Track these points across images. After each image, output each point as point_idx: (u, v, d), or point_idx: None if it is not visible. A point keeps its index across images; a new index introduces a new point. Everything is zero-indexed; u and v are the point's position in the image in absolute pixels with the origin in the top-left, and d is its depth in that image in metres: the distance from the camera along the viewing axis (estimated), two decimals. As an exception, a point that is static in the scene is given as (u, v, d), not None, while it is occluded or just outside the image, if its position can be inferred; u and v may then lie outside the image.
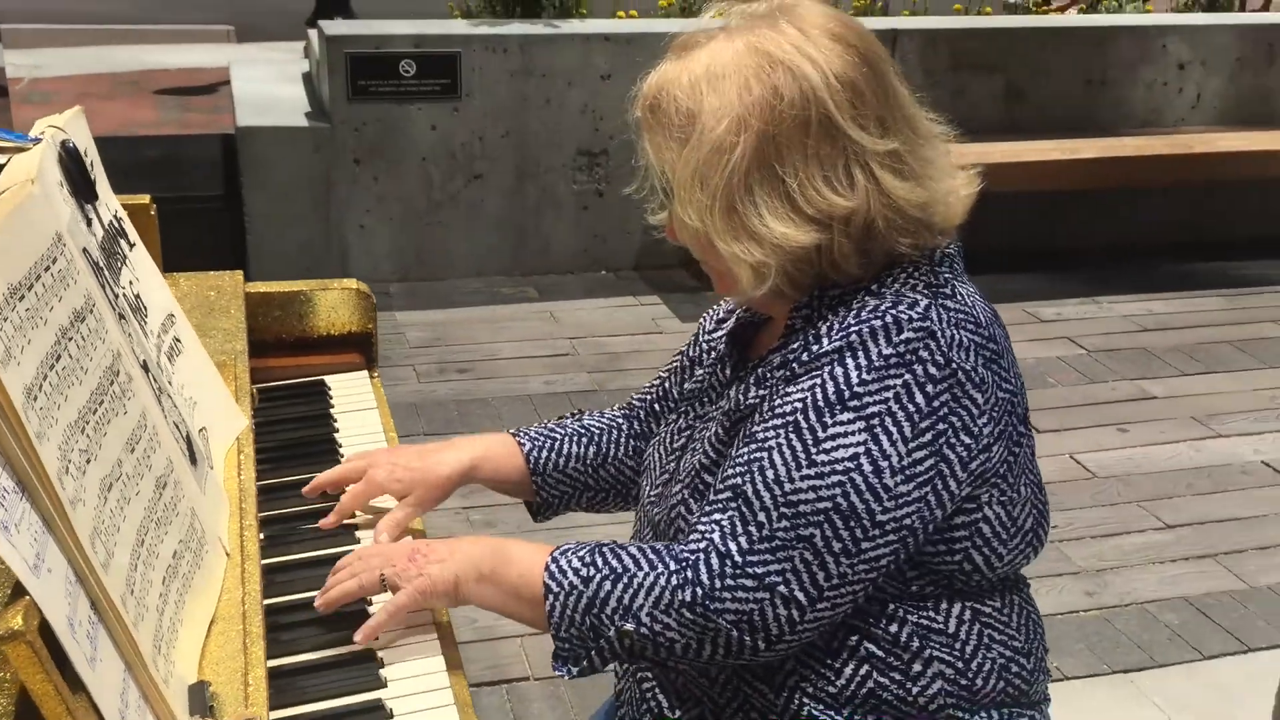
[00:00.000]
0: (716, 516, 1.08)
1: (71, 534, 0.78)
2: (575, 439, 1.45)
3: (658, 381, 1.46)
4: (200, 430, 1.19)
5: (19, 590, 0.71)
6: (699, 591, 1.05)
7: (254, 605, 1.05)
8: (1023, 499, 1.14)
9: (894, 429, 1.04)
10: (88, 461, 0.84)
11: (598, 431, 1.46)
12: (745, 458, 1.09)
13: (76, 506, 0.79)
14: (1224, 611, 2.76)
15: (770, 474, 1.06)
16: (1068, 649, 2.60)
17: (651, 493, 1.30)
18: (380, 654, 1.14)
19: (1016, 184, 4.42)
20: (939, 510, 1.07)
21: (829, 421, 1.05)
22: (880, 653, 1.12)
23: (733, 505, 1.07)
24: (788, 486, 1.05)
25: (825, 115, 1.08)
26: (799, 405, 1.07)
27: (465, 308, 4.36)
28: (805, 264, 1.11)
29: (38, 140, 1.04)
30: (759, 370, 1.17)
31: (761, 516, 1.05)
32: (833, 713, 1.13)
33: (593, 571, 1.10)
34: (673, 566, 1.08)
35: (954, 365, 1.06)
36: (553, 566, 1.11)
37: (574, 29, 4.51)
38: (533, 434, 1.46)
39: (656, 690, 1.23)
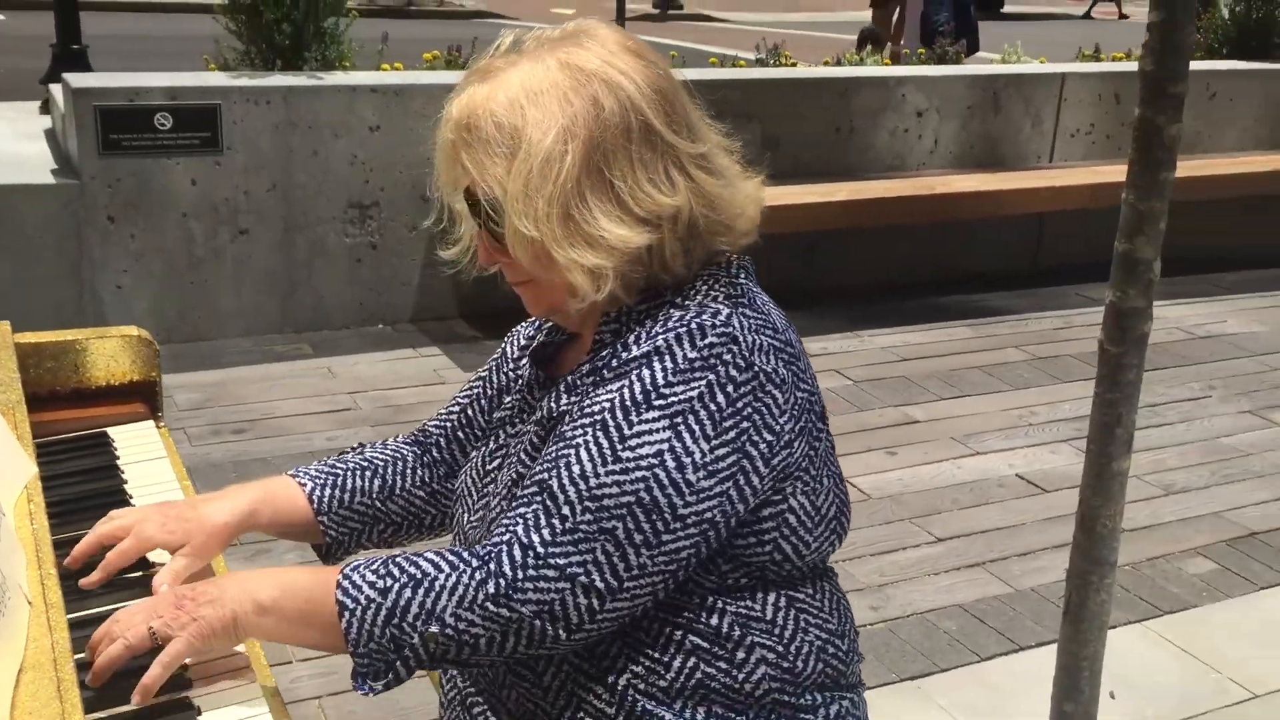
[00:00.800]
0: (521, 510, 1.11)
1: None
2: (359, 473, 1.42)
3: (456, 409, 1.45)
4: (-13, 478, 1.11)
5: None
6: (501, 583, 1.07)
7: (64, 653, 0.98)
8: (825, 489, 1.20)
9: (697, 426, 1.09)
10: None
11: (382, 463, 1.44)
12: (553, 455, 1.12)
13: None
14: (995, 615, 2.94)
15: (576, 469, 1.09)
16: (859, 660, 2.71)
17: (471, 518, 1.30)
18: (198, 703, 1.09)
19: (776, 227, 4.62)
20: (741, 504, 1.12)
21: (635, 420, 1.09)
22: (705, 644, 1.16)
23: (537, 499, 1.10)
24: (593, 481, 1.08)
25: (644, 122, 1.14)
26: (607, 405, 1.11)
27: (237, 367, 4.20)
28: (638, 265, 1.15)
29: None
30: (569, 378, 1.20)
31: (566, 510, 1.08)
32: (666, 706, 1.15)
33: (390, 582, 1.09)
34: (474, 564, 1.09)
35: (756, 367, 1.11)
36: (345, 583, 1.09)
37: (339, 80, 4.46)
38: (313, 472, 1.42)
39: (488, 713, 1.22)
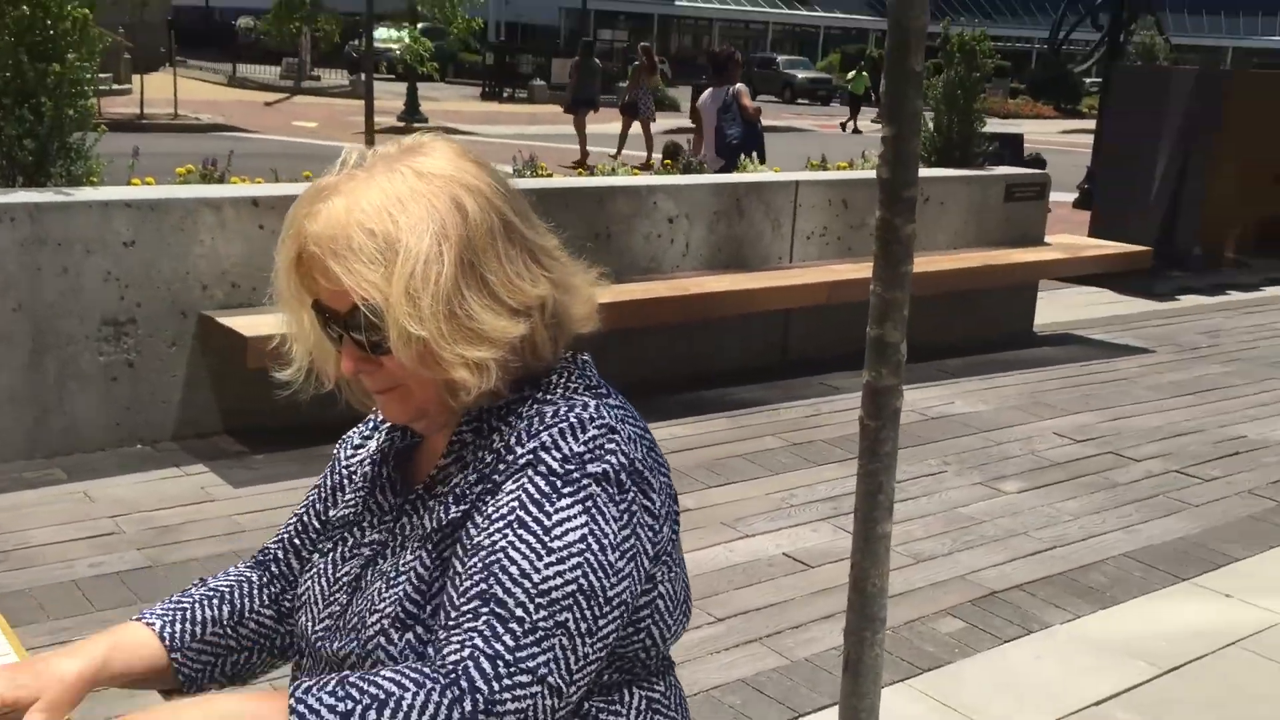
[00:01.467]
0: (468, 626, 1.09)
1: None
2: (207, 603, 1.39)
3: (294, 521, 1.44)
4: None
5: None
6: (479, 699, 1.05)
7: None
8: (679, 573, 1.27)
9: (606, 509, 1.14)
10: None
11: (228, 589, 1.41)
12: (480, 565, 1.12)
13: None
14: (774, 686, 3.11)
15: (514, 570, 1.10)
16: (654, 741, 2.81)
17: (318, 627, 1.28)
18: None
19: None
20: (639, 586, 1.17)
21: (551, 510, 1.13)
22: None
23: (484, 611, 1.09)
24: (535, 577, 1.10)
25: (504, 219, 1.22)
26: (516, 503, 1.14)
27: (-19, 497, 3.95)
28: (515, 355, 1.21)
29: None
30: (457, 488, 1.22)
31: (520, 612, 1.08)
32: None
33: (350, 705, 1.04)
34: (442, 682, 1.06)
35: (631, 456, 1.18)
36: (300, 708, 1.04)
37: (89, 196, 4.34)
38: (160, 611, 1.38)
39: None
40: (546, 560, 1.11)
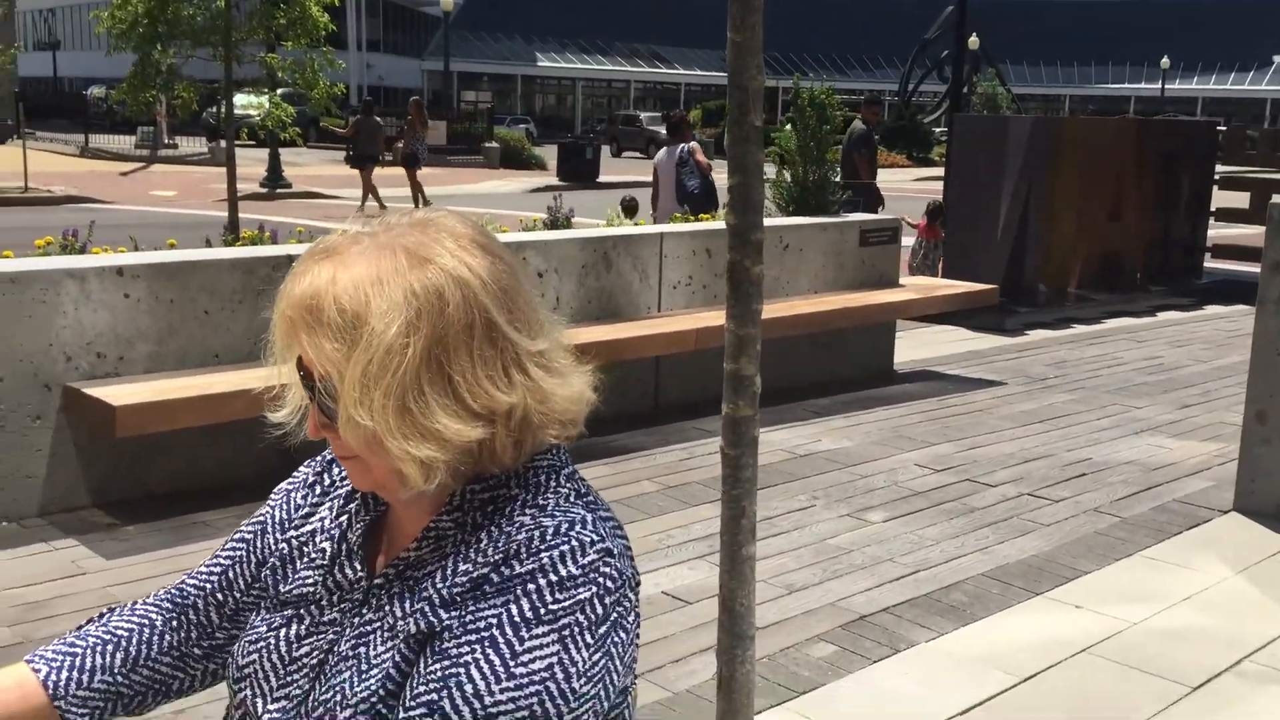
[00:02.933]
0: None
1: None
2: (99, 649, 1.37)
3: (218, 570, 1.41)
4: None
5: None
6: None
7: None
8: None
9: (580, 638, 1.13)
10: None
11: (125, 634, 1.39)
12: (440, 673, 1.13)
13: None
14: (657, 718, 3.20)
15: (469, 688, 1.11)
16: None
17: (271, 707, 1.26)
18: None
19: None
20: (606, 702, 1.16)
21: (525, 636, 1.12)
22: None
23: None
24: (487, 700, 1.10)
25: (487, 318, 1.16)
26: (494, 621, 1.13)
27: None
28: (468, 456, 1.17)
29: None
30: (437, 588, 1.19)
31: None
32: None
33: None
34: None
35: (623, 575, 1.18)
36: None
37: (-53, 270, 4.27)
38: (49, 655, 1.35)
39: None
40: (504, 685, 1.11)
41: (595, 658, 1.15)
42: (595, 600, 1.15)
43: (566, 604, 1.14)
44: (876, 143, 13.12)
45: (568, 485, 1.24)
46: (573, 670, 1.13)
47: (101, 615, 1.43)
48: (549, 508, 1.20)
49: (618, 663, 1.18)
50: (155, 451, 4.60)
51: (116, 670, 1.36)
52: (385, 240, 1.17)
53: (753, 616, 2.21)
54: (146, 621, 1.40)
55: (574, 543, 1.16)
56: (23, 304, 4.37)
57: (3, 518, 4.39)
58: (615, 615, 1.17)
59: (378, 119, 21.17)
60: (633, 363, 6.06)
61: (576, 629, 1.14)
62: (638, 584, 1.25)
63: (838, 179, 7.80)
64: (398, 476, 1.17)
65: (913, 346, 8.24)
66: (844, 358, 7.23)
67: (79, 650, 1.36)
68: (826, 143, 7.54)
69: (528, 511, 1.20)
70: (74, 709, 1.34)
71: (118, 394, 4.31)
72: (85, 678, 1.34)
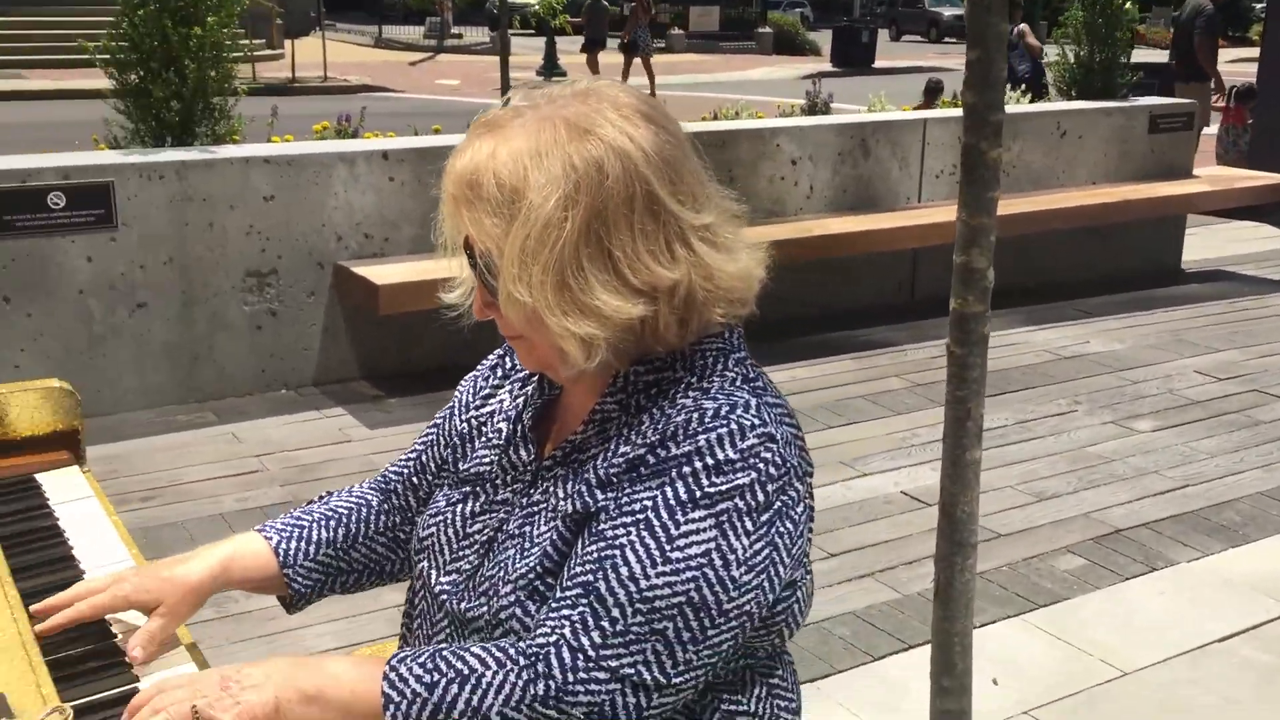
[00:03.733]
0: (566, 612, 1.11)
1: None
2: (323, 524, 1.43)
3: (413, 455, 1.45)
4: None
5: None
6: (552, 685, 1.08)
7: (28, 636, 1.10)
8: (809, 564, 1.23)
9: (739, 524, 1.10)
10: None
11: (345, 512, 1.44)
12: (595, 555, 1.12)
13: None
14: (885, 619, 3.13)
15: (624, 571, 1.10)
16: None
17: (444, 579, 1.28)
18: None
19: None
20: (771, 595, 1.14)
21: (681, 520, 1.10)
22: None
23: (583, 601, 1.10)
24: (643, 583, 1.09)
25: (648, 191, 1.12)
26: (649, 504, 1.11)
27: (140, 439, 4.24)
28: (630, 334, 1.14)
29: None
30: (596, 469, 1.18)
31: (615, 612, 1.09)
32: None
33: (436, 677, 1.09)
34: (522, 663, 1.09)
35: (788, 464, 1.14)
36: (391, 675, 1.10)
37: (231, 153, 4.56)
38: (279, 526, 1.43)
39: None
40: (660, 569, 1.09)
41: (757, 546, 1.12)
42: (755, 486, 1.11)
43: (724, 488, 1.11)
44: (1222, 25, 10.79)
45: (735, 369, 1.19)
46: (732, 558, 1.11)
47: (321, 497, 1.50)
48: (712, 391, 1.17)
49: (783, 554, 1.14)
50: (418, 329, 4.82)
51: (338, 545, 1.43)
52: (546, 113, 1.14)
53: (975, 524, 2.09)
54: (363, 503, 1.47)
55: (733, 426, 1.12)
56: (299, 186, 4.63)
57: (282, 385, 4.74)
58: (780, 504, 1.13)
59: (605, 2, 21.92)
60: (888, 255, 5.84)
61: (735, 515, 1.11)
62: (807, 474, 1.19)
63: (1127, 60, 7.16)
64: (559, 354, 1.15)
65: (1205, 244, 7.58)
66: (1124, 254, 6.72)
67: (305, 524, 1.44)
68: (1117, 20, 6.92)
69: (690, 394, 1.16)
70: (299, 578, 1.41)
71: (382, 273, 4.54)
72: (311, 549, 1.42)
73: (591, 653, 1.08)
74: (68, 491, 1.72)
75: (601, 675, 1.08)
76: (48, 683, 1.04)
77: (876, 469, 4.09)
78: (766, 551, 1.12)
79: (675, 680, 1.10)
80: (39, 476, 1.75)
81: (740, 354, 1.22)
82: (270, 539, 1.41)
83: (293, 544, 1.41)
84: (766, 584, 1.13)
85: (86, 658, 1.25)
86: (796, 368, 5.12)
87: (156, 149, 4.56)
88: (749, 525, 1.11)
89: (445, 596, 1.26)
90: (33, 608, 1.29)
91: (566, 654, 1.09)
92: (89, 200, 4.29)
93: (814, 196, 5.84)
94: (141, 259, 4.41)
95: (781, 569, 1.14)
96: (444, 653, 1.12)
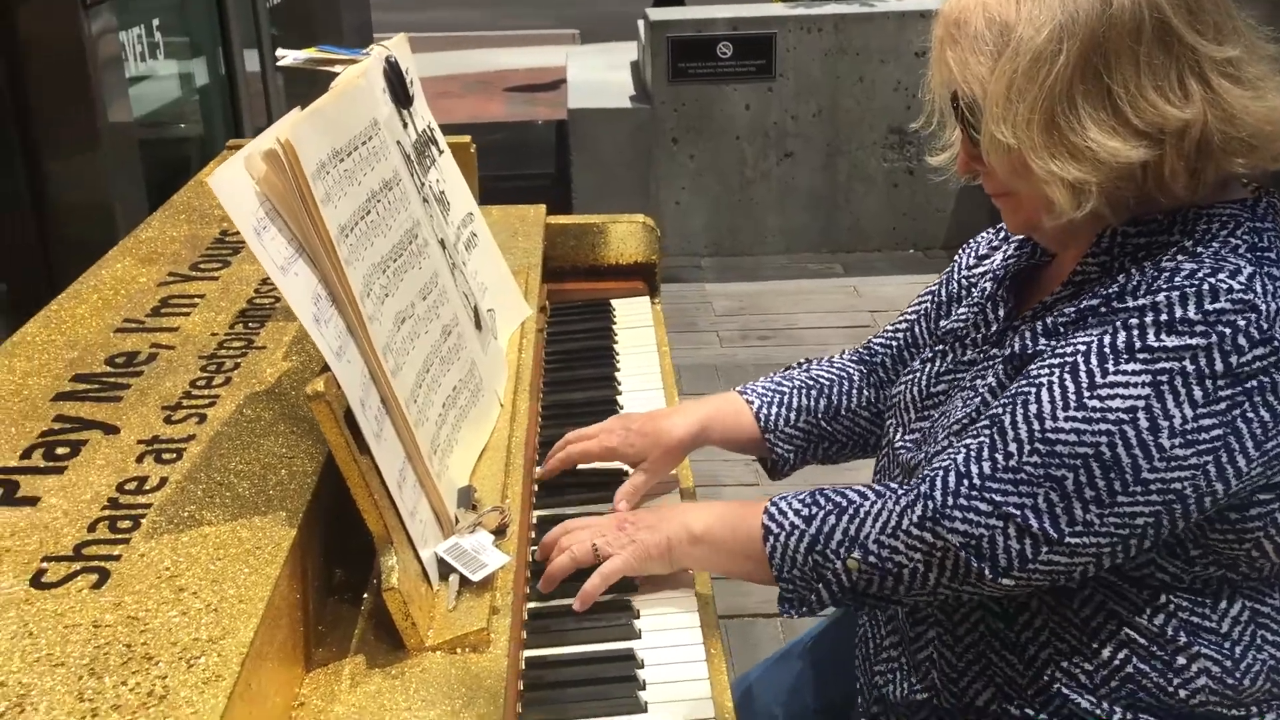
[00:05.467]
0: (968, 441, 1.07)
1: (368, 342, 0.98)
2: (804, 392, 1.42)
3: (904, 325, 1.41)
4: (488, 310, 1.39)
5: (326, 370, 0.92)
6: (930, 506, 1.04)
7: (517, 444, 1.23)
8: None
9: (1184, 389, 0.98)
10: (386, 295, 1.05)
11: (828, 382, 1.42)
12: (1013, 391, 1.06)
13: (373, 324, 0.99)
14: None
15: (1033, 408, 1.03)
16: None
17: (905, 436, 1.26)
18: (636, 605, 1.18)
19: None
20: (1219, 484, 0.99)
21: (1110, 369, 1.00)
22: (1143, 641, 1.07)
23: (986, 432, 1.05)
24: (1048, 424, 1.01)
25: (1160, 20, 1.01)
26: (1082, 349, 1.03)
27: (771, 281, 4.51)
28: (1128, 182, 1.04)
29: (368, 55, 1.27)
30: (1047, 320, 1.11)
31: (1012, 447, 1.02)
32: (1083, 694, 1.09)
33: (815, 510, 1.10)
34: (901, 492, 1.08)
35: (1275, 342, 0.97)
36: (771, 509, 1.12)
37: (889, 7, 4.55)
38: (760, 390, 1.43)
39: (897, 664, 1.20)
40: (1070, 414, 1.00)
41: (1205, 422, 0.98)
42: (1215, 353, 0.97)
43: (1171, 346, 0.98)
44: None
45: (1244, 238, 1.02)
46: (1164, 424, 0.98)
47: (800, 364, 1.49)
48: (1203, 255, 1.02)
49: (1247, 442, 0.98)
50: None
51: (819, 414, 1.42)
52: None
53: None
54: (845, 374, 1.44)
55: (1204, 286, 0.98)
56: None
57: (912, 245, 4.75)
58: (1254, 383, 0.97)
59: None
60: None
61: (1179, 378, 0.98)
62: None
63: None
64: (1045, 205, 1.07)
65: None
66: None
67: (785, 390, 1.44)
68: None
69: (1178, 258, 1.03)
70: (780, 443, 1.43)
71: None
72: (791, 415, 1.42)
73: (977, 480, 1.03)
74: (634, 319, 1.88)
75: (983, 506, 1.02)
76: (517, 487, 1.16)
77: None
78: (1219, 431, 0.98)
79: (1069, 539, 1.01)
80: (615, 302, 1.93)
81: (1259, 223, 1.04)
82: (752, 403, 1.43)
83: (774, 409, 1.41)
84: (1213, 469, 0.98)
85: (565, 487, 1.39)
86: None
87: (819, 2, 4.68)
88: (1197, 394, 0.97)
89: (904, 454, 1.23)
90: (537, 474, 1.39)
91: (952, 478, 1.04)
92: (753, 50, 4.54)
93: None
94: (794, 109, 4.60)
95: (1241, 460, 0.98)
96: (823, 490, 1.12)
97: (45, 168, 2.47)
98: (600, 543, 1.17)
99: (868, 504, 1.09)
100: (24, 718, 0.73)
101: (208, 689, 0.75)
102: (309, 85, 1.44)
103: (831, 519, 1.09)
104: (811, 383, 1.43)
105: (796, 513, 1.11)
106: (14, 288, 2.62)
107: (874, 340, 1.45)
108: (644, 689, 1.07)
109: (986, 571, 1.03)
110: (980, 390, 1.15)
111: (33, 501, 0.96)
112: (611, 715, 1.04)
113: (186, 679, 0.76)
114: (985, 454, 1.04)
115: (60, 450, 1.04)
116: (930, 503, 1.05)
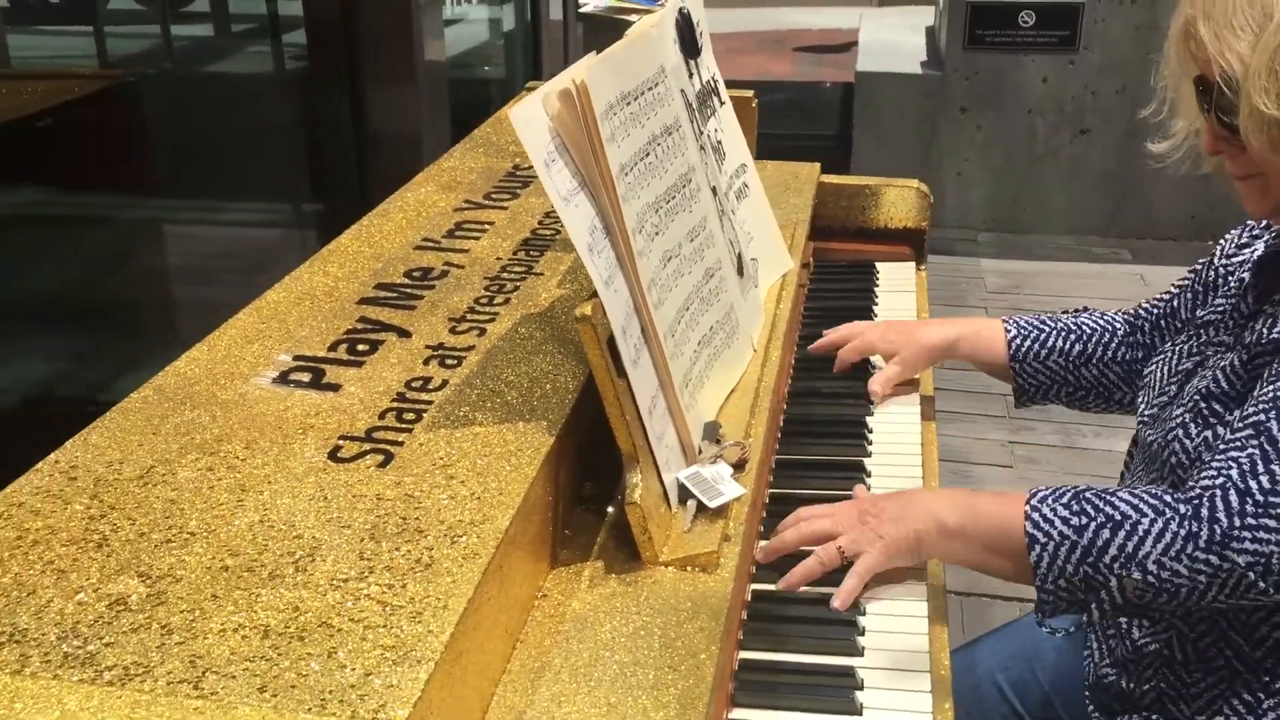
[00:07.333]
0: (1234, 454, 1.03)
1: (635, 275, 1.05)
2: (1063, 334, 1.48)
3: (1168, 297, 1.42)
4: (752, 259, 1.45)
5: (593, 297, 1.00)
6: (1216, 530, 1.01)
7: (766, 388, 1.29)
8: None
9: None
10: (656, 233, 1.12)
11: (1089, 331, 1.47)
12: (1271, 394, 1.04)
13: (641, 258, 1.07)
14: None
15: None
16: None
17: (1147, 412, 1.26)
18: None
19: None
20: None
21: None
22: None
23: (1253, 443, 1.02)
24: None
25: None
26: None
27: (1050, 261, 4.36)
28: None
29: (663, 5, 1.34)
30: None
31: None
32: None
33: (1084, 520, 1.07)
34: (1183, 510, 1.04)
35: None
36: (1035, 515, 1.09)
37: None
38: (1022, 322, 1.52)
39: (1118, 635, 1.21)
40: None
41: None
42: None
43: None
44: None
45: None
46: None
47: (1078, 310, 1.55)
48: None
49: None
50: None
51: (1072, 358, 1.49)
52: None
53: None
54: (1109, 328, 1.49)
55: None
56: None
57: (1210, 237, 4.47)
58: None
59: None
60: None
61: None
62: None
63: None
64: None
65: None
66: None
67: (1046, 329, 1.51)
68: None
69: None
70: (1024, 375, 1.51)
71: None
72: (1043, 352, 1.50)
73: (1260, 497, 1.00)
74: (897, 284, 1.89)
75: (1271, 523, 1.00)
76: (760, 428, 1.21)
77: None
78: None
79: None
80: (879, 265, 1.94)
81: None
82: (1009, 331, 1.52)
83: (1027, 343, 1.50)
84: None
85: (810, 431, 1.43)
86: None
87: (1136, -27, 4.43)
88: None
89: (1143, 427, 1.26)
90: (809, 348, 1.59)
91: (1234, 497, 1.01)
92: (1057, 21, 4.37)
93: None
94: (1095, 84, 4.40)
95: None
96: (1087, 494, 1.09)
97: (366, 99, 2.70)
98: (845, 542, 1.16)
99: (1146, 520, 1.05)
100: (314, 565, 0.85)
101: (466, 563, 0.85)
102: (608, 32, 1.53)
103: (1105, 533, 1.06)
104: (1075, 328, 1.50)
105: (1065, 521, 1.08)
106: (331, 208, 2.87)
107: (1143, 305, 1.48)
108: (863, 635, 1.11)
109: (1272, 589, 1.01)
110: (1216, 370, 1.15)
111: (335, 388, 1.09)
112: (829, 655, 1.09)
113: (449, 553, 0.86)
114: (1261, 467, 1.01)
115: (361, 347, 1.17)
116: (1216, 526, 1.02)
